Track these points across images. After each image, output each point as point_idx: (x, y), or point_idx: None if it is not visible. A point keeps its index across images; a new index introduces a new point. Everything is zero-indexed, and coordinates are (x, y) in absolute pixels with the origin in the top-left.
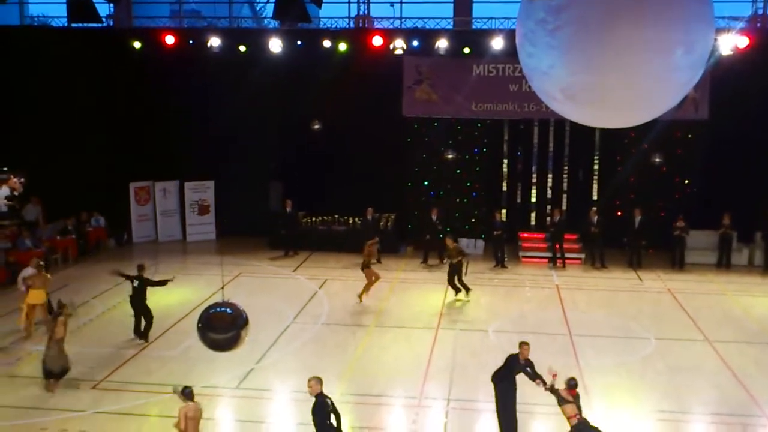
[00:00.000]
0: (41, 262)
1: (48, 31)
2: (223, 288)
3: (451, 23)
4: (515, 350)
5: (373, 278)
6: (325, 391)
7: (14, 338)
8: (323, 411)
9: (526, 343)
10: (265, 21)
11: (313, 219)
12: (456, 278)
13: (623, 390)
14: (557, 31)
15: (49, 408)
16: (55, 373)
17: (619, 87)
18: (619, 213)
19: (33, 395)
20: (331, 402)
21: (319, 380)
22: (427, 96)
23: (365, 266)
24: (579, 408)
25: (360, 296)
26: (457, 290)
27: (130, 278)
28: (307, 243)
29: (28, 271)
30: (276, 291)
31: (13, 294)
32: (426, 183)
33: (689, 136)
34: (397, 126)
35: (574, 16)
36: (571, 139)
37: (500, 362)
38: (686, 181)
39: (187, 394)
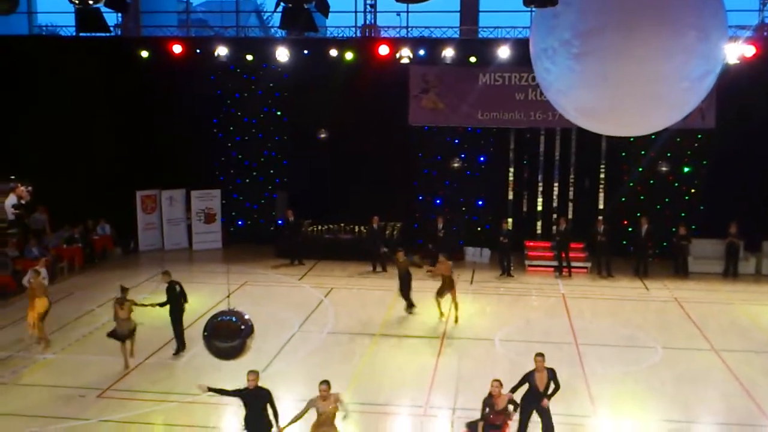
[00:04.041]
0: (36, 268)
1: (56, 41)
2: (229, 297)
3: (458, 32)
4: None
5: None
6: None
7: (21, 346)
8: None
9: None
10: (272, 30)
11: (319, 227)
12: (406, 291)
13: (630, 399)
14: (583, 56)
15: (54, 416)
16: (121, 336)
17: (638, 99)
18: (625, 222)
19: (39, 403)
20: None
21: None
22: (434, 105)
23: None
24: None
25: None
26: (410, 304)
27: (173, 285)
28: (313, 252)
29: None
30: (281, 300)
31: (20, 302)
32: (432, 191)
33: (696, 144)
34: (403, 135)
35: (604, 44)
36: (577, 148)
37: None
38: (693, 190)
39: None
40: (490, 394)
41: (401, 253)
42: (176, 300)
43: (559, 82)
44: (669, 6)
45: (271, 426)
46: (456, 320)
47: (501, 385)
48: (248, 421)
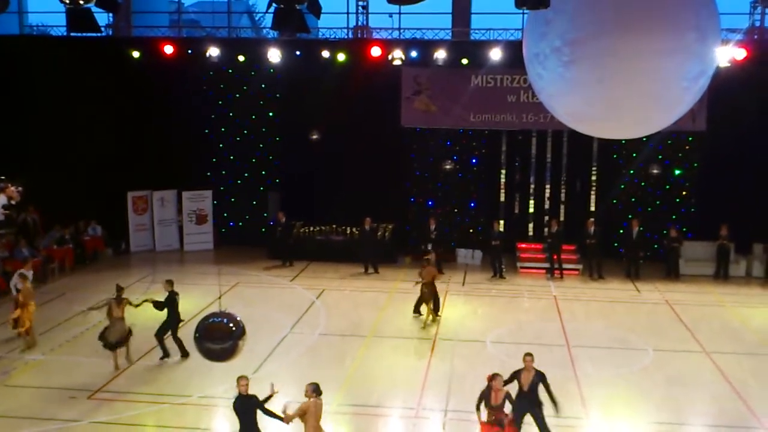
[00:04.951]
0: (23, 272)
1: (47, 41)
2: (220, 298)
3: (450, 34)
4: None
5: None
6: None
7: (9, 348)
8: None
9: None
10: (264, 31)
11: (311, 229)
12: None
13: (621, 401)
14: (572, 64)
15: (44, 418)
16: (111, 344)
17: (633, 101)
18: (616, 224)
19: (29, 405)
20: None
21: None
22: (426, 106)
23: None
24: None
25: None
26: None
27: (174, 295)
28: (305, 253)
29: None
30: (273, 301)
31: (10, 304)
32: (424, 193)
33: (687, 147)
34: (395, 136)
35: (590, 52)
36: (569, 150)
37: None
38: (684, 193)
39: (314, 389)
40: (489, 387)
41: (432, 255)
42: (175, 311)
43: (551, 87)
44: (669, 7)
45: None
46: (426, 322)
47: (502, 379)
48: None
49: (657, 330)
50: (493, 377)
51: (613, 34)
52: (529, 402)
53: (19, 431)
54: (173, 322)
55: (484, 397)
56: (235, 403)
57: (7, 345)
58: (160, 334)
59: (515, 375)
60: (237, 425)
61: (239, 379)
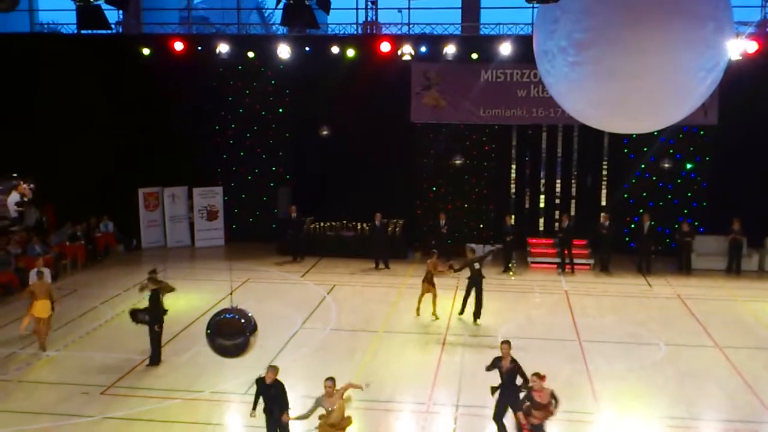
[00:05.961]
0: (41, 269)
1: (57, 38)
2: (231, 294)
3: (459, 29)
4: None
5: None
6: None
7: (24, 344)
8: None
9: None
10: (273, 27)
11: (322, 224)
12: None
13: (633, 396)
14: (577, 66)
15: (58, 413)
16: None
17: (642, 97)
18: (627, 218)
19: (43, 400)
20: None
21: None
22: (435, 102)
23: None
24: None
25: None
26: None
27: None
28: (316, 249)
29: (33, 278)
30: (284, 297)
31: (24, 300)
32: (434, 188)
33: (698, 141)
34: (405, 132)
35: (595, 56)
36: (579, 145)
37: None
38: (695, 187)
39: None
40: (531, 389)
41: (470, 252)
42: (160, 309)
43: (558, 85)
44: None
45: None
46: (434, 315)
47: (541, 378)
48: (268, 411)
49: (669, 325)
50: (531, 378)
51: (623, 29)
52: (509, 392)
53: (33, 426)
54: (156, 318)
55: (529, 399)
56: (258, 385)
57: (22, 341)
58: (156, 337)
59: (496, 362)
60: (246, 419)
61: (270, 367)
